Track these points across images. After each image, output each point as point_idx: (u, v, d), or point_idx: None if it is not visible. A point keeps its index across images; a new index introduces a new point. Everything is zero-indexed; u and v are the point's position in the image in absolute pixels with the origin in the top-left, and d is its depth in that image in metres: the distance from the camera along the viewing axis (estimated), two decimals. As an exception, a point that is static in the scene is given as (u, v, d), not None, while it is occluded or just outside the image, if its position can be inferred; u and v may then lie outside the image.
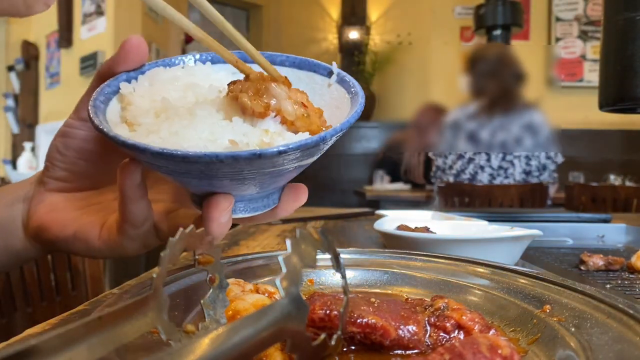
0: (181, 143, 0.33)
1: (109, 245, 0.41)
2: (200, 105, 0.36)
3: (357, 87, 0.39)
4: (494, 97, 2.16)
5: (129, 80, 0.38)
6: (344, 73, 0.41)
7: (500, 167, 2.30)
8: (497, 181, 2.30)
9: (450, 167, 2.40)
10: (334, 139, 0.34)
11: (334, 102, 0.40)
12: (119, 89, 0.37)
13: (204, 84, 0.40)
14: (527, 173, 2.31)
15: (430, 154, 2.56)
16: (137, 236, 0.40)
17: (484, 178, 2.32)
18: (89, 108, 0.34)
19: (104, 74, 0.39)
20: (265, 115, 0.35)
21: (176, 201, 0.44)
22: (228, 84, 0.36)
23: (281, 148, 0.31)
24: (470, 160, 2.33)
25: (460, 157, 2.35)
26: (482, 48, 2.32)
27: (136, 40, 0.37)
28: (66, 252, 0.45)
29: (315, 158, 0.36)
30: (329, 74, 0.41)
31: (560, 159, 2.36)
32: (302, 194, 0.41)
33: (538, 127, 2.18)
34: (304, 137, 0.35)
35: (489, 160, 2.30)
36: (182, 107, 0.36)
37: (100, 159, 0.43)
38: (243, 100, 0.34)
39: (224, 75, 0.41)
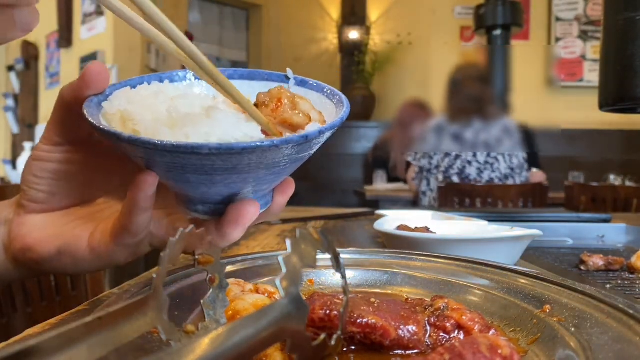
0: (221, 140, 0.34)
1: (99, 255, 0.40)
2: (212, 110, 0.36)
3: (320, 83, 0.42)
4: (460, 112, 2.28)
5: (99, 103, 0.37)
6: (301, 77, 0.43)
7: (486, 162, 2.38)
8: (485, 175, 2.39)
9: (437, 167, 2.46)
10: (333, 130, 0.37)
11: None
12: (101, 109, 0.37)
13: (191, 93, 0.40)
14: (512, 169, 2.41)
15: (409, 159, 2.64)
16: (132, 244, 0.40)
17: (472, 171, 2.39)
18: (100, 126, 0.34)
19: (68, 100, 0.38)
20: (305, 126, 0.37)
21: (167, 208, 0.44)
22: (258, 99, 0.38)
23: (322, 128, 0.34)
24: (457, 156, 2.41)
25: (447, 155, 2.44)
26: (457, 68, 2.40)
27: (98, 67, 0.37)
28: (51, 272, 0.45)
29: (313, 151, 0.38)
30: (286, 78, 0.43)
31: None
32: (290, 186, 0.42)
33: (513, 131, 2.28)
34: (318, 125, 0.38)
35: (475, 155, 2.38)
36: (192, 113, 0.36)
37: (80, 178, 0.42)
38: (297, 120, 0.37)
39: (192, 85, 0.42)
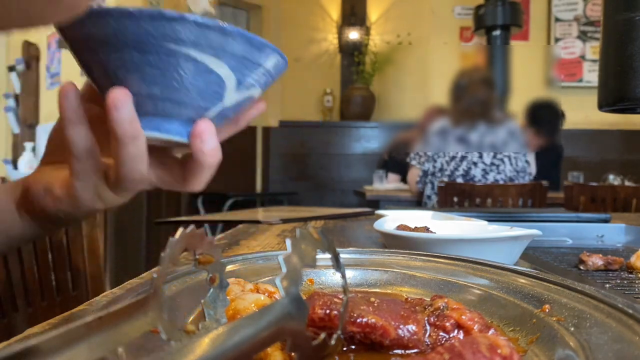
0: None
1: (67, 192, 0.44)
2: None
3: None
4: (466, 116, 2.30)
5: None
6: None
7: (492, 164, 2.38)
8: (490, 176, 2.40)
9: (441, 170, 2.47)
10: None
11: None
12: None
13: None
14: (517, 172, 2.42)
15: (413, 162, 2.67)
16: (87, 179, 0.43)
17: (477, 173, 2.40)
18: None
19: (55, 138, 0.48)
20: None
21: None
22: None
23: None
24: (463, 158, 2.42)
25: (452, 158, 2.45)
26: (462, 72, 2.41)
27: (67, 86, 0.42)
28: (42, 213, 0.48)
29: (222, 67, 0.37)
30: None
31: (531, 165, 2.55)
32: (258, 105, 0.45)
33: (517, 134, 2.30)
34: None
35: (481, 157, 2.39)
36: None
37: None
38: None
39: None
